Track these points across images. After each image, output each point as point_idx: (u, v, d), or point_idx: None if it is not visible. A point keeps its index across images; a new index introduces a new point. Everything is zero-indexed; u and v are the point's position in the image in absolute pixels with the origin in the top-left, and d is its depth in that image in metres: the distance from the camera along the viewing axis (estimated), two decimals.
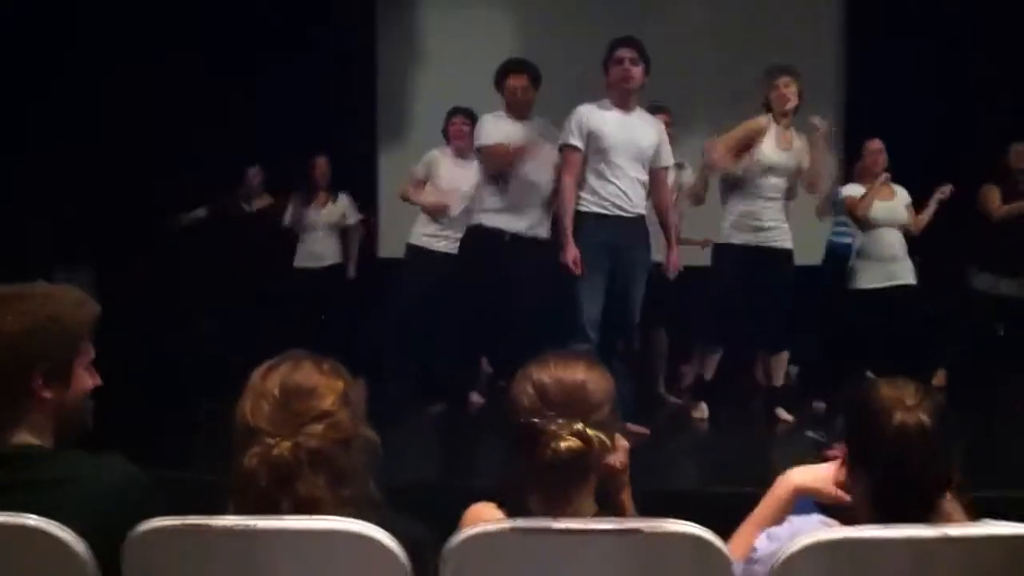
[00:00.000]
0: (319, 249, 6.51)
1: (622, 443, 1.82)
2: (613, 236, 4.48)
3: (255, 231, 6.73)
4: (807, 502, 1.85)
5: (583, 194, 4.51)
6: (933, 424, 1.63)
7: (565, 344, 4.18)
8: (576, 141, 4.47)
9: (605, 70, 4.55)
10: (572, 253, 4.35)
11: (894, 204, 5.48)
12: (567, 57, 6.04)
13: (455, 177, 5.58)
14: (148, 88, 6.55)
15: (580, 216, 4.47)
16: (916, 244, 5.58)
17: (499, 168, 4.80)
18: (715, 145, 4.82)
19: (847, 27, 7.12)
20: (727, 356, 5.08)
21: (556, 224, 4.70)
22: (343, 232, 6.61)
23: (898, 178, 5.52)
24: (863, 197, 5.42)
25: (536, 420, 1.66)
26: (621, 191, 4.48)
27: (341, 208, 6.54)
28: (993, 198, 5.94)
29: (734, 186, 4.92)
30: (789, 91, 4.80)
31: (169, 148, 6.69)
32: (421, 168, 5.77)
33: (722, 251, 4.99)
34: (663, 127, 4.79)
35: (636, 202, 4.53)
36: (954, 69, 6.48)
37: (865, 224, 5.46)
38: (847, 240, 5.83)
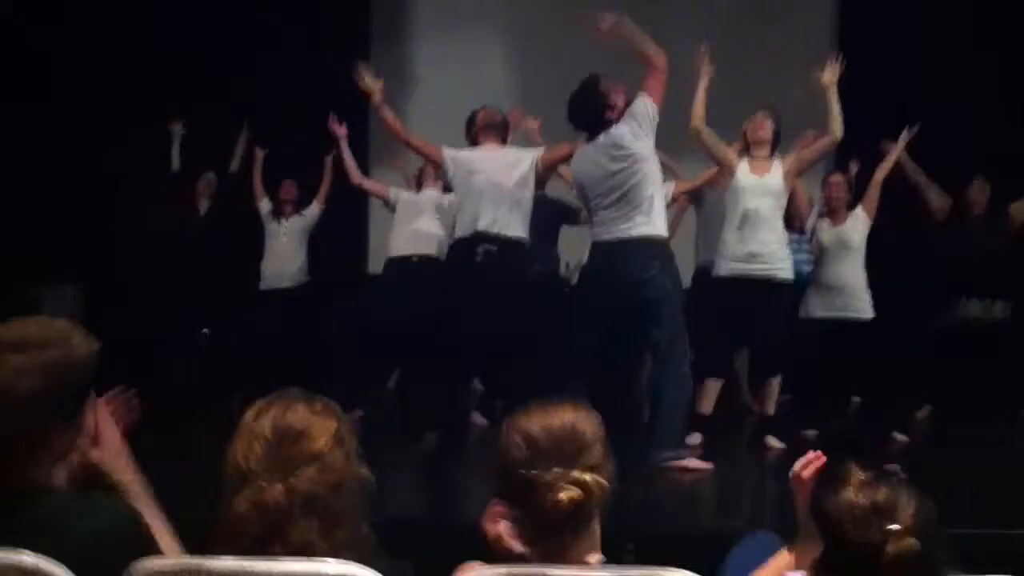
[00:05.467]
0: (282, 266, 6.34)
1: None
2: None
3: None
4: None
5: None
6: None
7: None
8: None
9: None
10: None
11: (845, 230, 5.37)
12: (559, 86, 6.04)
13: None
14: (140, 109, 6.62)
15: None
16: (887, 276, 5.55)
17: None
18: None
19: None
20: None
21: None
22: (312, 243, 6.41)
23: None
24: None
25: (531, 472, 1.60)
26: None
27: (310, 216, 6.41)
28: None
29: (716, 215, 5.05)
30: (766, 125, 4.99)
31: (161, 170, 6.76)
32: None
33: (710, 281, 5.09)
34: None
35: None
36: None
37: (819, 250, 5.44)
38: (807, 268, 5.65)
